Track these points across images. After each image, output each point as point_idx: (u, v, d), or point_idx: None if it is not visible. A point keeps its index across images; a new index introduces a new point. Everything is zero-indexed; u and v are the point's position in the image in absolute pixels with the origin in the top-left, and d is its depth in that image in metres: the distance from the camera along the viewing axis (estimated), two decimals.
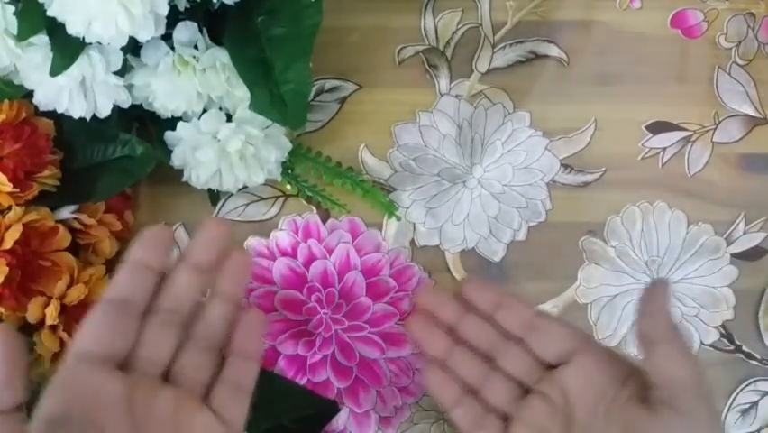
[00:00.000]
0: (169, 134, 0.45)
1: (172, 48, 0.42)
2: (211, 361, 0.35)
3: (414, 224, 0.51)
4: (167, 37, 0.41)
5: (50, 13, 0.37)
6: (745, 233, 0.51)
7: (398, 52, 0.52)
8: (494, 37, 0.52)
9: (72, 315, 0.42)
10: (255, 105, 0.42)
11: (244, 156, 0.44)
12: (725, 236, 0.51)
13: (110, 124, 0.44)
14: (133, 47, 0.41)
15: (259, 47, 0.41)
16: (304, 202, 0.50)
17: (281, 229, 0.50)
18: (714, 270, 0.51)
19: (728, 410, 0.50)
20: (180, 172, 0.46)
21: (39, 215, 0.41)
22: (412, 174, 0.51)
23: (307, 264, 0.50)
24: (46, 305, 0.41)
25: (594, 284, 0.51)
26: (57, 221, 0.43)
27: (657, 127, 0.52)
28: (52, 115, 0.43)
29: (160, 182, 0.49)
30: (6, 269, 0.39)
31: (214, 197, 0.50)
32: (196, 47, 0.42)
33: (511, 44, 0.52)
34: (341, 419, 0.49)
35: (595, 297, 0.51)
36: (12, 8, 0.39)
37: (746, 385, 0.50)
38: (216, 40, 0.42)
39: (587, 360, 0.37)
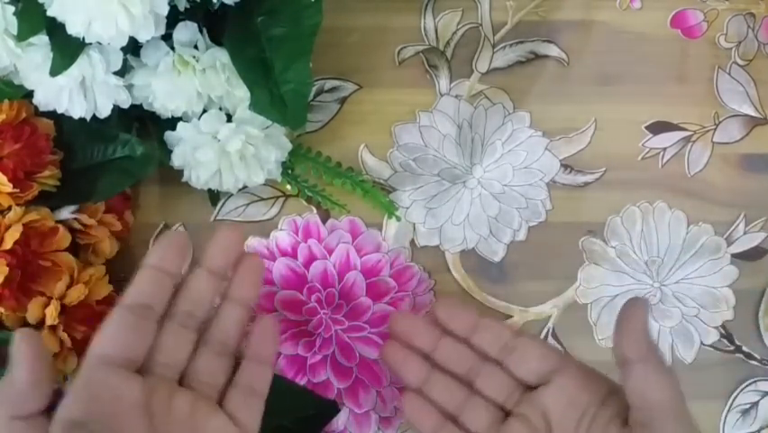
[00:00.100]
0: (169, 134, 0.45)
1: (172, 48, 0.41)
2: (225, 365, 0.35)
3: (414, 224, 0.51)
4: (167, 37, 0.41)
5: (50, 13, 0.37)
6: (745, 233, 0.51)
7: (398, 52, 0.52)
8: (494, 37, 0.52)
9: (72, 315, 0.42)
10: (255, 105, 0.42)
11: (244, 156, 0.44)
12: (725, 236, 0.51)
13: (110, 124, 0.44)
14: (133, 47, 0.41)
15: (259, 47, 0.41)
16: (304, 202, 0.50)
17: (281, 229, 0.50)
18: (714, 270, 0.51)
19: (728, 411, 0.50)
20: (180, 172, 0.46)
21: (39, 215, 0.41)
22: (412, 174, 0.51)
23: (307, 264, 0.50)
24: (46, 305, 0.41)
25: (594, 284, 0.51)
26: (57, 221, 0.43)
27: (657, 127, 0.52)
28: (52, 115, 0.43)
29: (160, 182, 0.49)
30: (6, 269, 0.39)
31: (214, 197, 0.50)
32: (196, 47, 0.42)
33: (511, 44, 0.52)
34: (341, 420, 0.49)
35: (595, 297, 0.51)
36: (12, 8, 0.39)
37: (746, 385, 0.50)
38: (216, 40, 0.42)
39: (566, 380, 0.37)
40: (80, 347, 0.43)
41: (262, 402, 0.35)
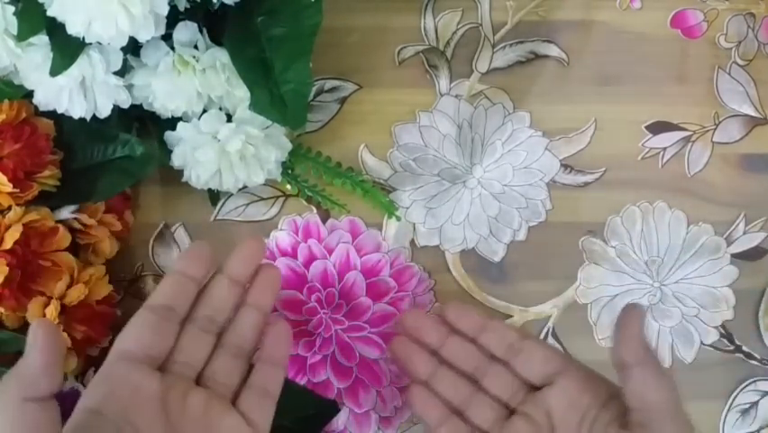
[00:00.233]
0: (169, 134, 0.45)
1: (172, 48, 0.41)
2: (241, 367, 0.37)
3: (414, 224, 0.51)
4: (167, 37, 0.41)
5: (50, 13, 0.37)
6: (745, 233, 0.51)
7: (398, 52, 0.52)
8: (494, 37, 0.52)
9: (72, 315, 0.42)
10: (255, 106, 0.42)
11: (244, 156, 0.44)
12: (725, 236, 0.51)
13: (110, 124, 0.44)
14: (133, 47, 0.41)
15: (259, 47, 0.41)
16: (304, 202, 0.50)
17: (281, 229, 0.50)
18: (714, 270, 0.51)
19: (728, 410, 0.50)
20: (180, 172, 0.46)
21: (39, 215, 0.41)
22: (412, 174, 0.51)
23: (307, 264, 0.50)
24: (46, 305, 0.41)
25: (594, 284, 0.51)
26: (57, 221, 0.43)
27: (657, 127, 0.52)
28: (52, 115, 0.43)
29: (160, 182, 0.49)
30: (6, 269, 0.39)
31: (214, 197, 0.50)
32: (196, 47, 0.42)
33: (511, 44, 0.52)
34: (341, 419, 0.49)
35: (595, 297, 0.51)
36: (12, 8, 0.39)
37: (746, 385, 0.50)
38: (216, 40, 0.42)
39: (570, 382, 0.38)
40: (80, 347, 0.43)
41: (274, 403, 0.37)
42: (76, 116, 0.42)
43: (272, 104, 0.41)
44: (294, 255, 0.50)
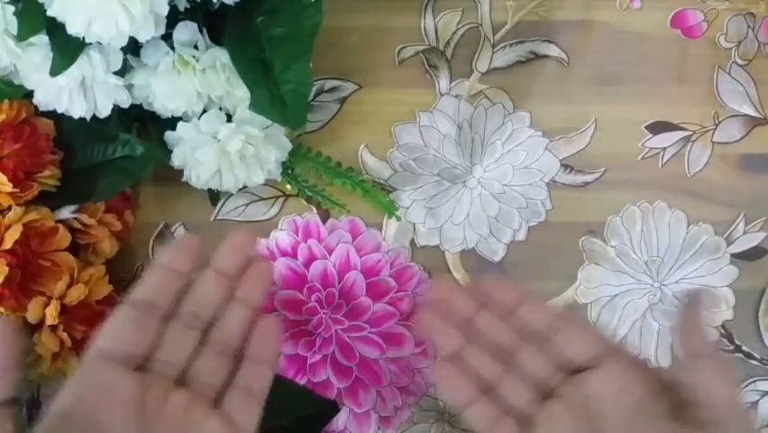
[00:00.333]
0: (169, 134, 0.45)
1: (172, 48, 0.41)
2: (226, 365, 0.35)
3: (414, 224, 0.51)
4: (167, 37, 0.41)
5: (50, 13, 0.37)
6: (745, 233, 0.51)
7: (398, 52, 0.52)
8: (494, 37, 0.52)
9: (72, 315, 0.42)
10: (255, 106, 0.42)
11: (244, 156, 0.44)
12: (725, 236, 0.51)
13: (110, 124, 0.44)
14: (133, 47, 0.41)
15: (259, 47, 0.41)
16: (304, 202, 0.50)
17: (281, 229, 0.50)
18: (714, 270, 0.51)
19: None
20: (180, 172, 0.46)
21: (39, 215, 0.41)
22: (412, 174, 0.51)
23: (307, 264, 0.50)
24: (46, 305, 0.41)
25: (594, 284, 0.51)
26: (57, 221, 0.43)
27: (657, 127, 0.52)
28: (52, 115, 0.43)
29: (160, 182, 0.49)
30: (6, 269, 0.39)
31: (214, 197, 0.50)
32: (196, 47, 0.42)
33: (511, 44, 0.52)
34: (341, 419, 0.49)
35: (595, 297, 0.51)
36: (12, 8, 0.39)
37: (746, 385, 0.50)
38: (216, 40, 0.42)
39: (616, 367, 0.35)
40: (80, 347, 0.43)
41: (260, 404, 0.35)
42: (76, 116, 0.42)
43: (272, 104, 0.41)
44: (294, 255, 0.50)
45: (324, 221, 0.50)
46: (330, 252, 0.50)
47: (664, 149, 0.52)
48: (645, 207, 0.51)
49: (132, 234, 0.49)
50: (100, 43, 0.39)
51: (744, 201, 0.51)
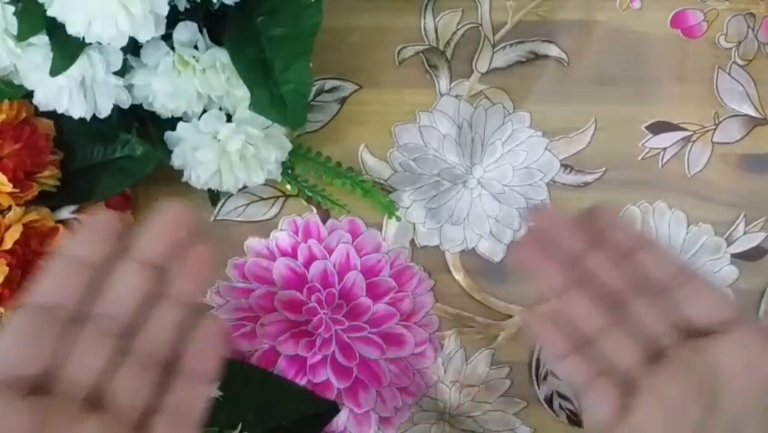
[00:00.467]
0: (169, 134, 0.45)
1: (172, 48, 0.41)
2: (151, 381, 0.28)
3: (414, 224, 0.51)
4: (167, 37, 0.41)
5: (50, 13, 0.37)
6: (745, 233, 0.51)
7: (398, 52, 0.52)
8: (494, 37, 0.52)
9: None
10: (255, 106, 0.42)
11: (244, 156, 0.44)
12: (725, 236, 0.51)
13: (110, 124, 0.44)
14: (133, 47, 0.41)
15: (259, 47, 0.41)
16: (304, 202, 0.50)
17: (281, 229, 0.50)
18: (714, 270, 0.51)
19: None
20: (180, 172, 0.46)
21: (39, 215, 0.41)
22: (412, 174, 0.51)
23: (307, 265, 0.50)
24: None
25: None
26: (57, 221, 0.43)
27: (657, 127, 0.52)
28: (52, 115, 0.43)
29: (160, 182, 0.49)
30: (6, 269, 0.39)
31: (214, 197, 0.50)
32: (196, 47, 0.42)
33: (511, 44, 0.52)
34: (341, 419, 0.49)
35: None
36: (12, 8, 0.39)
37: None
38: (216, 40, 0.42)
39: (746, 337, 0.30)
40: None
41: (195, 427, 0.28)
42: (76, 116, 0.42)
43: (272, 104, 0.41)
44: (294, 255, 0.50)
45: (324, 221, 0.50)
46: (330, 252, 0.50)
47: (664, 149, 0.51)
48: (645, 208, 0.51)
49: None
50: (100, 43, 0.39)
51: (744, 201, 0.51)
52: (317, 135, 0.51)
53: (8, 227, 0.40)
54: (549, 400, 0.51)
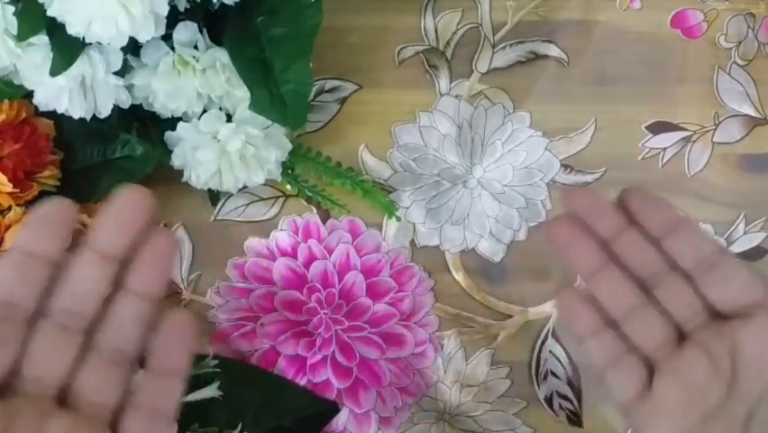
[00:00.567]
0: (169, 134, 0.45)
1: (172, 48, 0.41)
2: (121, 377, 0.27)
3: (414, 224, 0.51)
4: (167, 37, 0.41)
5: (50, 13, 0.37)
6: (745, 233, 0.51)
7: (398, 52, 0.52)
8: (494, 37, 0.52)
9: None
10: (255, 106, 0.42)
11: (244, 156, 0.44)
12: (725, 236, 0.51)
13: (110, 124, 0.44)
14: (133, 47, 0.41)
15: (259, 47, 0.41)
16: (304, 202, 0.50)
17: (281, 229, 0.50)
18: None
19: None
20: (180, 172, 0.46)
21: None
22: (412, 174, 0.51)
23: (307, 265, 0.50)
24: None
25: None
26: None
27: (657, 127, 0.52)
28: (52, 115, 0.43)
29: (160, 182, 0.49)
30: None
31: (214, 197, 0.50)
32: (196, 47, 0.42)
33: (511, 44, 0.52)
34: (341, 419, 0.49)
35: None
36: (12, 8, 0.39)
37: None
38: (216, 40, 0.42)
39: None
40: None
41: (170, 425, 0.27)
42: (76, 116, 0.42)
43: (272, 104, 0.41)
44: (294, 255, 0.50)
45: (324, 221, 0.50)
46: (330, 252, 0.50)
47: (664, 149, 0.51)
48: None
49: None
50: (100, 43, 0.39)
51: (744, 201, 0.51)
52: (317, 135, 0.51)
53: (8, 227, 0.40)
54: (549, 400, 0.51)
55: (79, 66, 0.40)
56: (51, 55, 0.39)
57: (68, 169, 0.44)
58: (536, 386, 0.50)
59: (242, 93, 0.43)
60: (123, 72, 0.42)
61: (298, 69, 0.41)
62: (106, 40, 0.38)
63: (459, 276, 0.50)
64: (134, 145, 0.44)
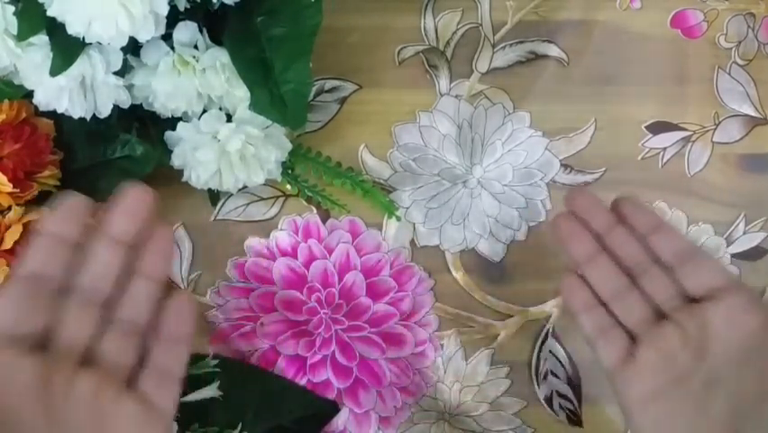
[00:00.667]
0: (169, 134, 0.45)
1: (172, 48, 0.41)
2: (135, 344, 0.32)
3: (414, 224, 0.51)
4: (167, 37, 0.41)
5: (50, 13, 0.37)
6: (745, 233, 0.51)
7: (398, 52, 0.52)
8: (494, 37, 0.52)
9: None
10: (255, 106, 0.42)
11: (244, 156, 0.44)
12: (725, 236, 0.51)
13: (110, 124, 0.44)
14: (133, 47, 0.41)
15: (259, 47, 0.41)
16: (304, 202, 0.50)
17: (281, 229, 0.50)
18: None
19: None
20: (180, 172, 0.46)
21: (39, 215, 0.41)
22: (412, 174, 0.51)
23: (307, 264, 0.50)
24: None
25: None
26: None
27: (657, 127, 0.52)
28: (52, 115, 0.43)
29: (160, 182, 0.49)
30: (6, 269, 0.39)
31: (214, 197, 0.50)
32: (196, 47, 0.42)
33: (511, 44, 0.52)
34: (341, 419, 0.49)
35: None
36: (12, 8, 0.39)
37: None
38: (216, 40, 0.42)
39: (736, 300, 0.35)
40: None
41: (178, 384, 0.32)
42: (76, 116, 0.42)
43: (272, 104, 0.41)
44: (294, 255, 0.50)
45: (324, 221, 0.50)
46: (330, 252, 0.50)
47: (664, 149, 0.52)
48: None
49: None
50: (100, 43, 0.39)
51: (744, 201, 0.51)
52: (317, 135, 0.51)
53: (8, 227, 0.40)
54: (549, 400, 0.51)
55: (79, 66, 0.40)
56: (51, 55, 0.39)
57: (68, 169, 0.44)
58: (536, 386, 0.50)
59: (242, 93, 0.43)
60: (123, 72, 0.42)
61: (298, 69, 0.41)
62: (106, 40, 0.38)
63: (459, 276, 0.50)
64: (134, 145, 0.44)
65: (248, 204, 0.50)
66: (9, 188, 0.40)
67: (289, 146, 0.46)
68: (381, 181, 0.51)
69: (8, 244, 0.39)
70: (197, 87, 0.42)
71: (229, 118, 0.44)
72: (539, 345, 0.50)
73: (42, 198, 0.43)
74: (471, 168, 0.51)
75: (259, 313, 0.49)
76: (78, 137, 0.45)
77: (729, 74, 0.52)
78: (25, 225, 0.40)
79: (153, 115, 0.44)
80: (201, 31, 0.42)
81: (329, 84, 0.51)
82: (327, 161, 0.49)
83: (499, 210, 0.51)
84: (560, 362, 0.51)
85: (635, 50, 0.52)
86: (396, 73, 0.52)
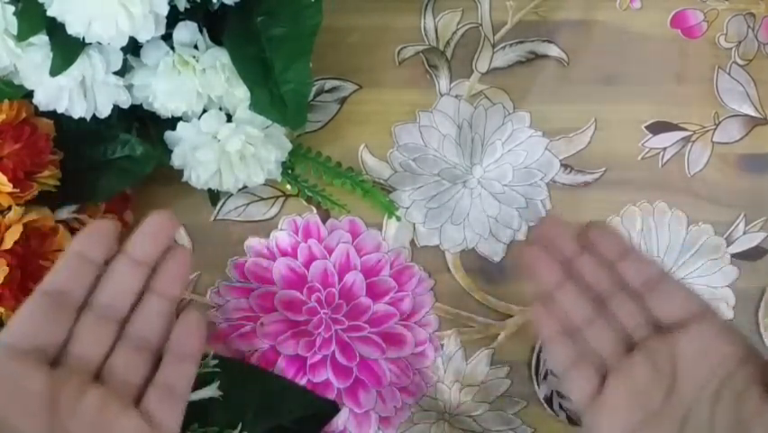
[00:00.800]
0: (169, 134, 0.45)
1: (172, 48, 0.41)
2: (145, 361, 0.33)
3: (414, 224, 0.51)
4: (167, 37, 0.41)
5: (50, 13, 0.37)
6: (745, 233, 0.51)
7: (398, 52, 0.52)
8: (494, 37, 0.52)
9: None
10: (255, 106, 0.42)
11: (244, 156, 0.44)
12: (725, 236, 0.51)
13: (110, 124, 0.44)
14: (133, 47, 0.41)
15: (259, 47, 0.41)
16: (304, 202, 0.50)
17: (281, 229, 0.50)
18: (714, 270, 0.51)
19: None
20: (180, 172, 0.46)
21: (39, 215, 0.41)
22: (412, 174, 0.51)
23: (307, 264, 0.50)
24: None
25: None
26: (57, 221, 0.43)
27: (657, 127, 0.52)
28: (52, 115, 0.43)
29: (160, 182, 0.49)
30: (6, 269, 0.39)
31: (214, 197, 0.50)
32: (196, 47, 0.42)
33: (511, 44, 0.52)
34: (341, 419, 0.49)
35: None
36: (12, 8, 0.39)
37: None
38: (216, 40, 0.42)
39: (705, 331, 0.34)
40: None
41: (183, 403, 0.33)
42: (76, 116, 0.42)
43: (272, 104, 0.41)
44: (294, 255, 0.50)
45: (324, 221, 0.50)
46: (330, 252, 0.50)
47: (664, 149, 0.52)
48: (645, 208, 0.51)
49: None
50: (100, 43, 0.39)
51: (744, 201, 0.51)
52: (317, 135, 0.51)
53: (8, 227, 0.40)
54: (549, 400, 0.51)
55: (79, 66, 0.40)
56: (51, 55, 0.39)
57: (68, 169, 0.44)
58: (536, 386, 0.50)
59: (242, 93, 0.43)
60: (123, 72, 0.42)
61: (298, 69, 0.41)
62: (106, 40, 0.38)
63: (459, 276, 0.50)
64: (134, 145, 0.44)
65: (248, 204, 0.50)
66: (9, 188, 0.40)
67: (289, 146, 0.47)
68: (381, 181, 0.51)
69: (8, 244, 0.39)
70: (197, 87, 0.42)
71: (229, 118, 0.44)
72: (539, 344, 0.50)
73: (42, 198, 0.43)
74: (471, 168, 0.51)
75: (259, 313, 0.49)
76: (78, 137, 0.45)
77: (729, 74, 0.52)
78: (25, 225, 0.40)
79: (153, 115, 0.44)
80: (201, 31, 0.42)
81: (329, 84, 0.51)
82: (327, 161, 0.49)
83: (499, 210, 0.51)
84: None
85: (634, 50, 0.52)
86: (396, 73, 0.52)
